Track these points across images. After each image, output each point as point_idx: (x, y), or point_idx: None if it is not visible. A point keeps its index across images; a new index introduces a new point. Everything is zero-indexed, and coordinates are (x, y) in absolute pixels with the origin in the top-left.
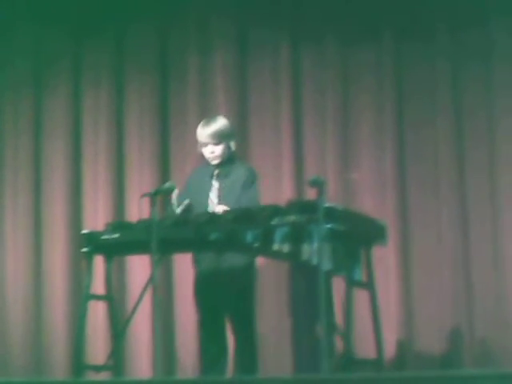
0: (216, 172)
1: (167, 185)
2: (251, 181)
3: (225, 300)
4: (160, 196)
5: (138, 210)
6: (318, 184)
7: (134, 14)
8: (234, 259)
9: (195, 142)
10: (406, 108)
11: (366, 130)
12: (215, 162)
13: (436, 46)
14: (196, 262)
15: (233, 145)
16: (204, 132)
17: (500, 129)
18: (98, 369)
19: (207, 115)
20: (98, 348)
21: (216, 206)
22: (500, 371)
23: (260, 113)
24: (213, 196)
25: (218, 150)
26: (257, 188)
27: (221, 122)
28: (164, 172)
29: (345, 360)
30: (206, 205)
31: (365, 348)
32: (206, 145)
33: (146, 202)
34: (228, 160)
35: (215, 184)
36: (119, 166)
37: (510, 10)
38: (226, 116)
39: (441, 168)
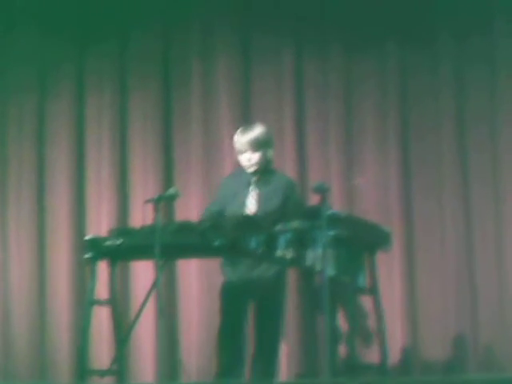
0: (254, 179)
1: (170, 191)
2: (295, 193)
3: (250, 307)
4: (163, 202)
5: (141, 215)
6: (322, 190)
7: (138, 19)
8: (266, 267)
9: (199, 147)
10: (409, 114)
11: (369, 136)
12: (252, 169)
13: (439, 52)
14: (225, 267)
15: (270, 153)
16: (242, 139)
17: (504, 135)
18: (102, 373)
19: (210, 121)
20: (101, 353)
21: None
22: (504, 376)
23: (263, 118)
24: (249, 204)
25: (255, 157)
26: (300, 200)
27: (258, 130)
28: (168, 178)
29: (348, 365)
30: (243, 212)
31: (369, 353)
32: (243, 152)
33: (149, 207)
34: (265, 168)
35: (253, 191)
36: (123, 171)
37: None
38: (230, 122)
39: (445, 174)
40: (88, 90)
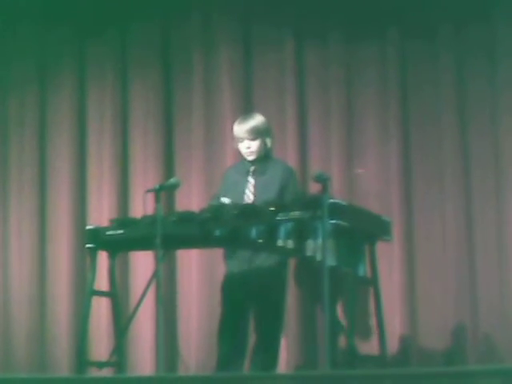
0: (252, 168)
1: (172, 181)
2: (293, 180)
3: (253, 300)
4: (164, 192)
5: (142, 205)
6: (323, 180)
7: (138, 10)
8: (266, 259)
9: (200, 137)
10: (410, 103)
11: (370, 126)
12: (251, 157)
13: (440, 41)
14: (228, 259)
15: (269, 142)
16: (241, 127)
17: (504, 124)
18: (101, 365)
19: (212, 112)
20: (101, 344)
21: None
22: (504, 367)
23: (264, 109)
24: (248, 192)
25: (255, 145)
26: (298, 187)
27: (258, 119)
28: (168, 168)
29: (348, 356)
30: (242, 201)
31: (368, 344)
32: (242, 140)
33: (150, 197)
34: (264, 157)
35: (251, 180)
36: (124, 162)
37: None
38: (231, 112)
39: (445, 163)
40: (89, 81)
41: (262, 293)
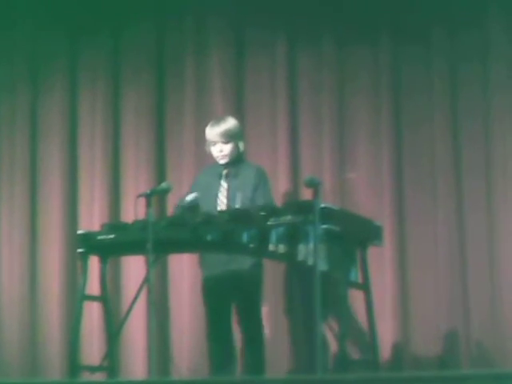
0: (225, 172)
1: (163, 185)
2: (264, 181)
3: (232, 302)
4: (156, 196)
5: (133, 210)
6: (314, 184)
7: (131, 13)
8: (240, 261)
9: (192, 141)
10: (402, 108)
11: (362, 130)
12: (223, 161)
13: (433, 46)
14: (203, 265)
15: (241, 145)
16: (213, 131)
17: (497, 129)
18: (93, 369)
19: (204, 115)
20: (93, 348)
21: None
22: (495, 371)
23: (256, 112)
24: (221, 196)
25: (227, 149)
26: (269, 187)
27: (230, 122)
28: (160, 172)
29: (340, 360)
30: (215, 205)
31: (360, 349)
32: (214, 143)
33: (141, 202)
34: (236, 160)
35: (224, 184)
36: (115, 166)
37: (507, 10)
38: (223, 115)
39: (437, 168)
40: (81, 84)
41: (241, 295)
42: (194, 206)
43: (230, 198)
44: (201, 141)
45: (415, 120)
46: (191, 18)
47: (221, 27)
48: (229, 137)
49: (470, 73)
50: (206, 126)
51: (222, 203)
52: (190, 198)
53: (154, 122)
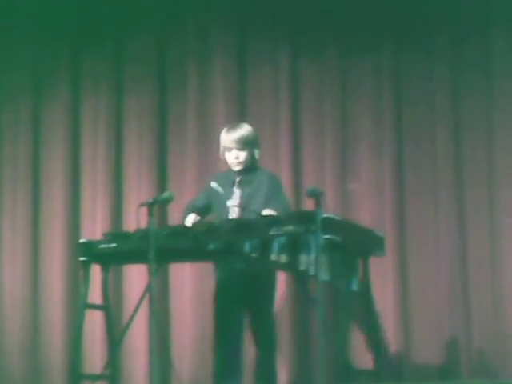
0: (238, 179)
1: (165, 194)
2: (277, 189)
3: (245, 307)
4: (158, 205)
5: (135, 219)
6: (316, 194)
7: (133, 22)
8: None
9: (194, 150)
10: (404, 118)
11: (364, 141)
12: (238, 167)
13: (435, 55)
14: (217, 268)
15: (257, 153)
16: (229, 137)
17: (499, 139)
18: (94, 378)
19: (206, 125)
20: (94, 357)
21: (264, 211)
22: (497, 382)
23: (259, 122)
24: (233, 203)
25: (242, 155)
26: (284, 195)
27: (247, 129)
28: (162, 181)
29: (342, 370)
30: (227, 212)
31: (362, 358)
32: (230, 150)
33: (143, 211)
34: (250, 167)
35: (237, 191)
36: (117, 174)
37: (510, 19)
38: (225, 125)
39: (439, 178)
40: (83, 92)
41: (253, 299)
42: (205, 208)
43: (243, 205)
44: (203, 150)
45: (417, 130)
46: (194, 28)
47: (224, 37)
48: (244, 143)
49: (473, 82)
50: (208, 134)
51: (234, 211)
52: (201, 203)
53: (157, 131)
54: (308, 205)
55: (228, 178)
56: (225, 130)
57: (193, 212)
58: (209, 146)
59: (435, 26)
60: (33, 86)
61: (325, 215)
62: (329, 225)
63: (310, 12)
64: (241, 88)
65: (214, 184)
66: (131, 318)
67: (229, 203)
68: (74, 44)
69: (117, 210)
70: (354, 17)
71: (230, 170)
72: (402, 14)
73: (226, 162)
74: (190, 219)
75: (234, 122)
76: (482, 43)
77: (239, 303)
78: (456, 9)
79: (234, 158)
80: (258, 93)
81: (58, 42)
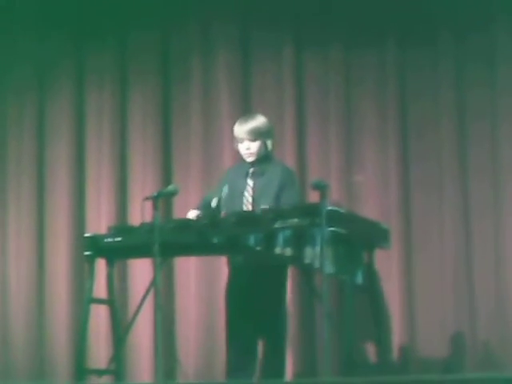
0: (251, 170)
1: (170, 188)
2: (291, 181)
3: (257, 300)
4: (162, 199)
5: (140, 213)
6: (321, 187)
7: (137, 17)
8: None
9: (198, 144)
10: (409, 111)
11: (369, 134)
12: (250, 159)
13: (439, 49)
14: (230, 261)
15: (270, 144)
16: (242, 128)
17: (503, 131)
18: (99, 373)
19: (210, 118)
20: (99, 352)
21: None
22: (502, 375)
23: (263, 115)
24: (247, 195)
25: (254, 146)
26: (297, 188)
27: (259, 120)
28: (167, 175)
29: (347, 363)
30: (241, 203)
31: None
32: (242, 141)
33: (148, 205)
34: (264, 158)
35: (250, 183)
36: (122, 169)
37: None
38: (230, 119)
39: (444, 171)
40: (87, 87)
41: (265, 292)
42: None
43: (256, 196)
44: (208, 143)
45: (422, 123)
46: (197, 22)
47: (227, 31)
48: (256, 134)
49: (477, 76)
50: (212, 127)
51: (247, 201)
52: (214, 203)
53: (161, 125)
54: (313, 197)
55: (242, 169)
56: (238, 121)
57: (205, 206)
58: (213, 139)
59: (439, 19)
60: (37, 81)
61: (330, 208)
62: (334, 217)
63: (314, 5)
64: (245, 81)
65: (213, 202)
66: (136, 312)
67: (245, 193)
68: (78, 39)
69: (122, 204)
70: (358, 10)
71: (244, 161)
72: (407, 7)
73: (221, 157)
74: (191, 215)
75: (237, 116)
76: (485, 36)
77: (251, 297)
78: (460, 2)
79: (246, 149)
80: (262, 86)
81: (61, 37)
